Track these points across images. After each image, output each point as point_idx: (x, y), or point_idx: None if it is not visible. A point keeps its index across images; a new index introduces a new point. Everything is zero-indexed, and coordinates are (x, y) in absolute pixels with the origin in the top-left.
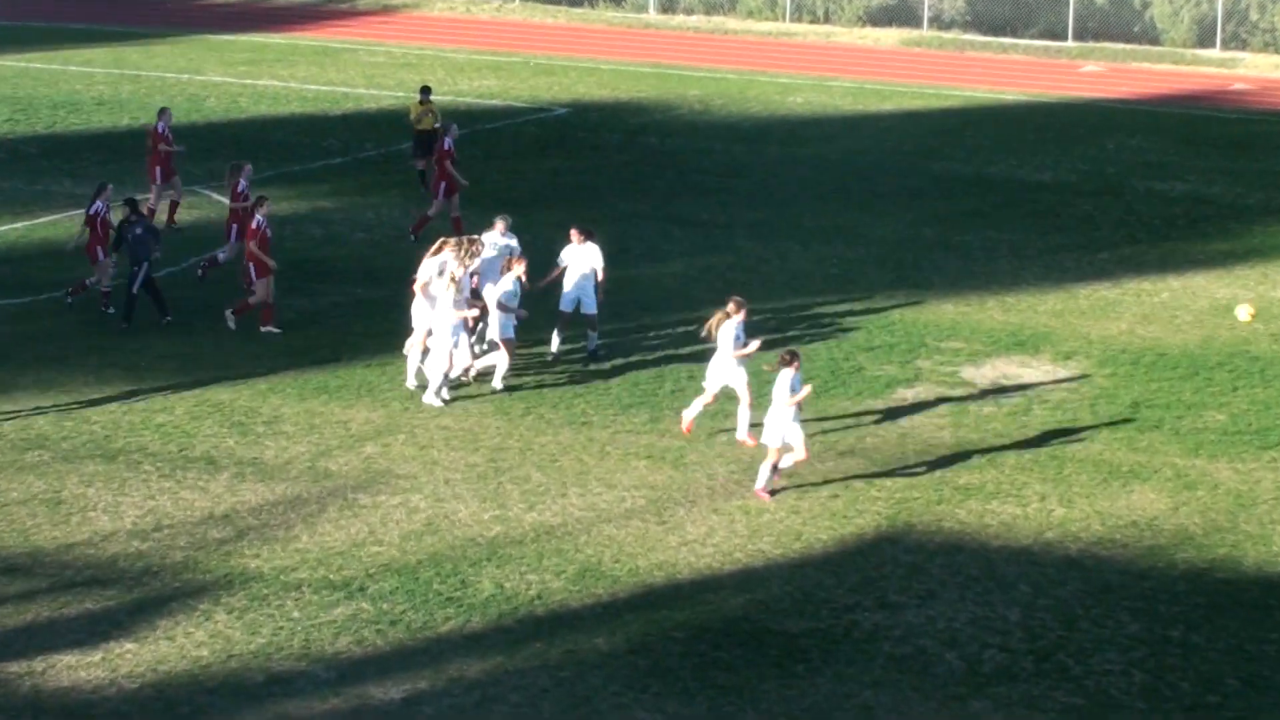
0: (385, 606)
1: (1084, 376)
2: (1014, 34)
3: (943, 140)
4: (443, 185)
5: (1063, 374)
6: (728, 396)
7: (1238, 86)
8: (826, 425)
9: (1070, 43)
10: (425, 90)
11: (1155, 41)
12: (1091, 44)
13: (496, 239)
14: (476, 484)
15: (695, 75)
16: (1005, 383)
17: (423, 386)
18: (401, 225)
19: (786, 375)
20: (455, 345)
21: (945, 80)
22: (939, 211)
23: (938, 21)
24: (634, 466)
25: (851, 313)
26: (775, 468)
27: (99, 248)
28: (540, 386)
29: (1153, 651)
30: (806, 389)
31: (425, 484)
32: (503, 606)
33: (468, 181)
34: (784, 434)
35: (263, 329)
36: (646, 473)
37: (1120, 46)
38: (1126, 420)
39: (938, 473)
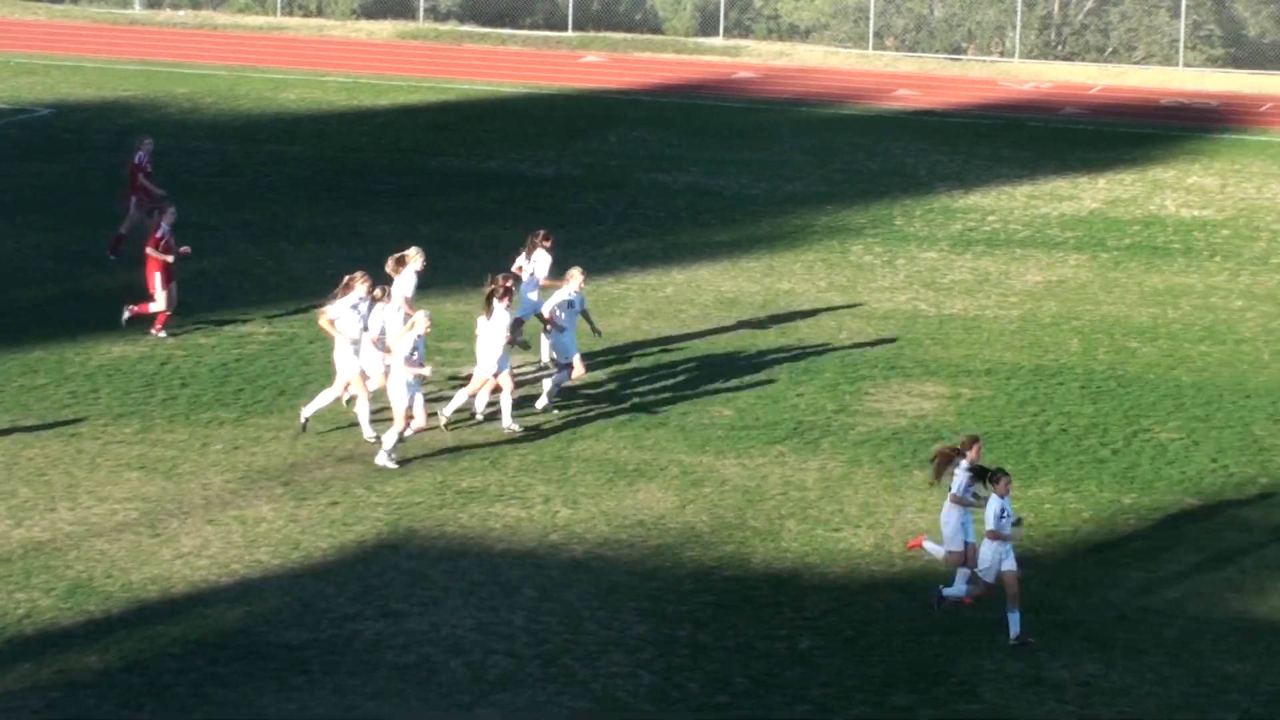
0: None
1: (588, 374)
2: (512, 24)
3: (441, 135)
4: (134, 200)
5: (565, 373)
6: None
7: (741, 75)
8: (323, 430)
9: (570, 33)
10: None
11: (657, 30)
12: (592, 34)
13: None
14: None
15: (184, 72)
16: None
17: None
18: None
19: (994, 502)
20: (411, 402)
21: (442, 73)
22: (437, 208)
23: (434, 13)
24: (126, 478)
25: None
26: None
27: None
28: (24, 400)
29: (660, 652)
30: (1018, 530)
31: None
32: None
33: (164, 192)
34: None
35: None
36: (139, 484)
37: (622, 36)
38: (631, 418)
39: (440, 476)
